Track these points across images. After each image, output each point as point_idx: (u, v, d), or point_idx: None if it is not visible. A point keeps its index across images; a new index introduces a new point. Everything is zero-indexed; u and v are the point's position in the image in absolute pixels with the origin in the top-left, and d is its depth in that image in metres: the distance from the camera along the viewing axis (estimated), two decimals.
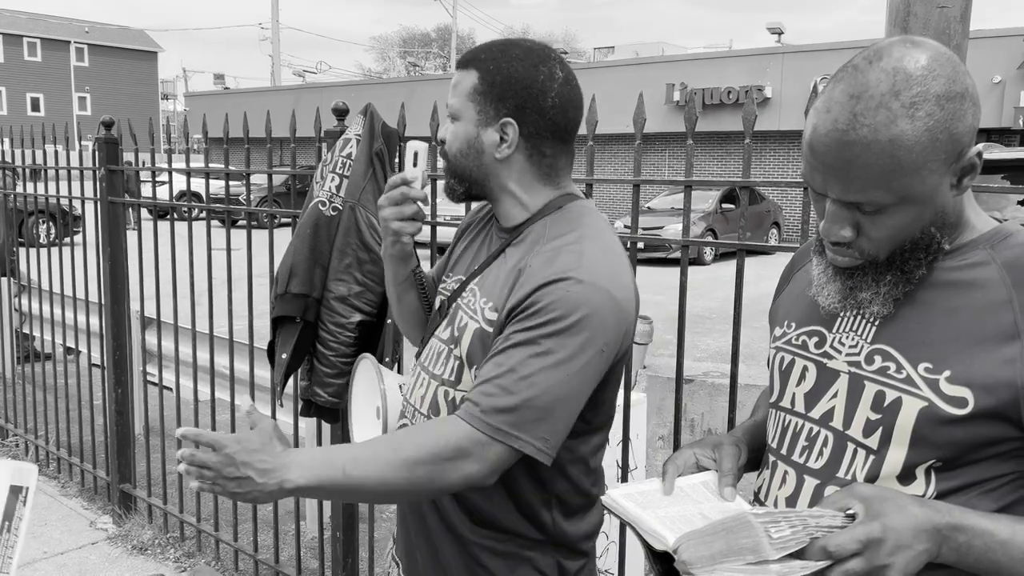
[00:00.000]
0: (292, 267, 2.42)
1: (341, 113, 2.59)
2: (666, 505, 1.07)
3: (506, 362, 1.18)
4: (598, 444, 1.36)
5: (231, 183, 3.14)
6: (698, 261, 15.09)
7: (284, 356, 2.44)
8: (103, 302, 3.70)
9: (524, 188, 1.33)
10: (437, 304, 1.46)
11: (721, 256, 15.61)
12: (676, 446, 2.01)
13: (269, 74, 39.97)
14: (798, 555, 0.89)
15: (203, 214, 3.23)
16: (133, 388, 3.81)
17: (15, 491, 1.05)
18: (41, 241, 4.31)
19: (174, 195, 4.41)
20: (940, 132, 0.91)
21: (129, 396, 3.77)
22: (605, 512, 1.27)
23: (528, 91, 1.27)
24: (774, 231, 17.71)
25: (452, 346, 1.34)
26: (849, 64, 0.96)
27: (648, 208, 16.85)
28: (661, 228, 14.83)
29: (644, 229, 14.75)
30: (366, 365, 1.51)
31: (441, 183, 1.53)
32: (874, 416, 1.00)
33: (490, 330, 1.26)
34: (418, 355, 1.48)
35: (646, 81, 20.79)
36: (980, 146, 0.96)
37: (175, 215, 3.33)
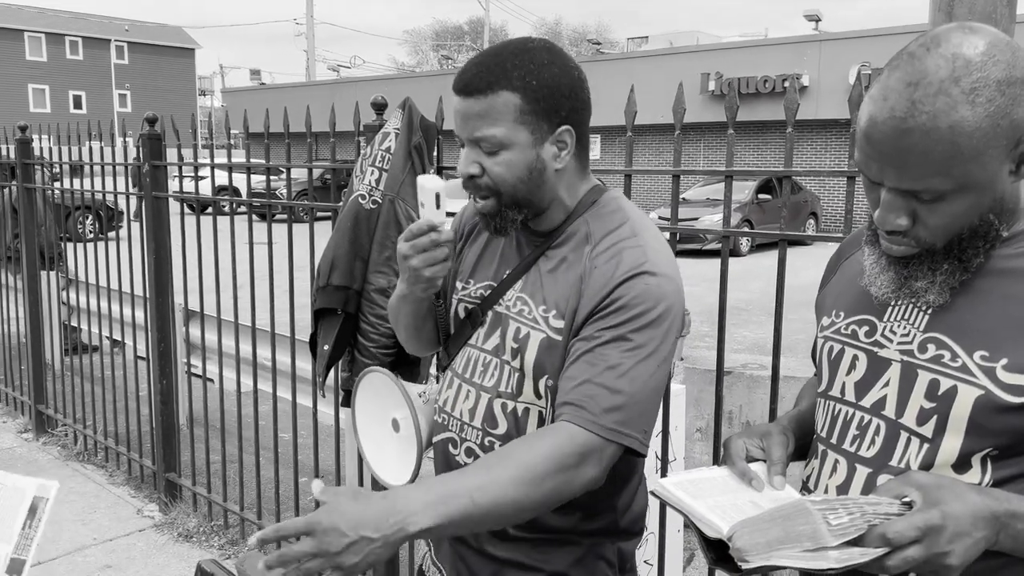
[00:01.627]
0: (333, 260, 2.46)
1: (380, 107, 2.61)
2: (717, 494, 1.08)
3: (600, 361, 1.18)
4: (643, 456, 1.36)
5: (271, 177, 3.18)
6: (735, 252, 14.95)
7: (326, 348, 2.48)
8: (147, 296, 3.78)
9: (569, 189, 1.32)
10: (461, 312, 1.42)
11: (757, 247, 15.45)
12: (716, 438, 2.01)
13: (304, 69, 40.33)
14: (855, 543, 0.89)
15: (242, 208, 3.28)
16: (177, 379, 3.89)
17: (39, 500, 1.22)
18: (87, 236, 4.41)
19: (214, 190, 4.51)
20: (1001, 118, 0.90)
21: (173, 387, 3.85)
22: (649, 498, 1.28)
23: (574, 93, 1.26)
24: (811, 221, 17.47)
25: (505, 357, 1.31)
26: (904, 51, 0.96)
27: (683, 199, 16.73)
28: (696, 219, 14.71)
29: (679, 220, 14.66)
30: (379, 378, 1.42)
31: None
32: (928, 404, 1.00)
33: (559, 339, 1.25)
34: (444, 366, 1.46)
35: (681, 71, 20.59)
36: None
37: (215, 209, 3.38)
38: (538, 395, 1.29)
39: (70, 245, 4.42)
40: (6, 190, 5.14)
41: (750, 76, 19.45)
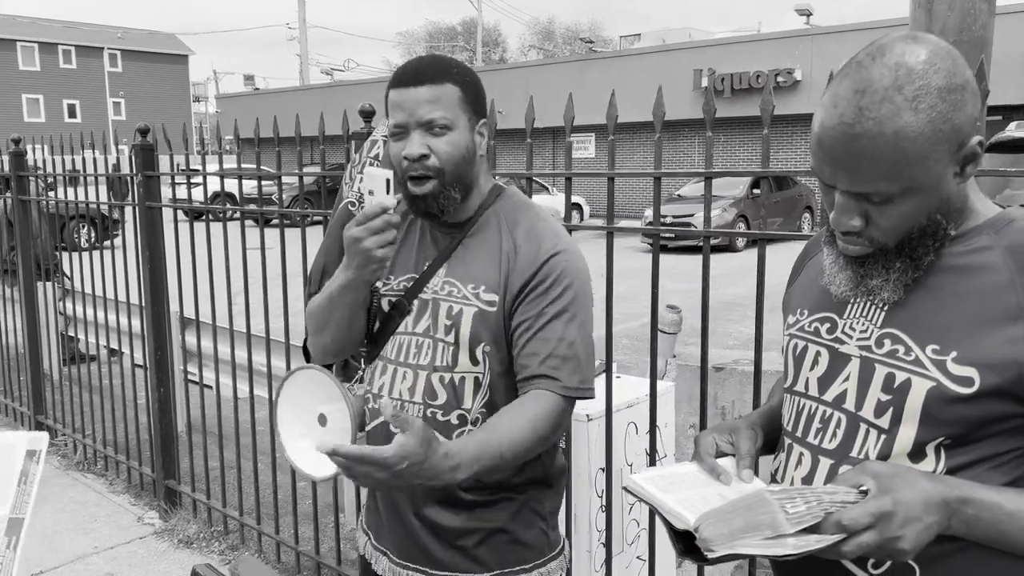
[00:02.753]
0: (324, 266, 2.48)
1: (368, 115, 2.65)
2: (686, 488, 1.11)
3: (552, 335, 1.43)
4: None
5: (264, 183, 3.21)
6: (730, 248, 15.01)
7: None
8: (143, 304, 3.82)
9: (484, 180, 1.54)
10: (386, 305, 1.55)
11: (753, 243, 15.49)
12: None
13: (298, 73, 40.36)
14: (813, 530, 0.94)
15: (237, 214, 3.30)
16: (174, 387, 3.92)
17: (30, 454, 1.20)
18: (82, 245, 4.41)
19: (208, 196, 4.52)
20: (943, 123, 0.95)
21: (171, 395, 3.88)
22: (634, 499, 1.35)
23: (483, 93, 1.51)
24: (807, 215, 17.52)
25: (439, 335, 1.48)
26: (853, 60, 1.01)
27: (678, 195, 16.77)
28: (691, 216, 14.76)
29: (674, 217, 14.70)
30: (309, 374, 1.44)
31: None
32: (885, 397, 1.05)
33: (492, 310, 1.45)
34: (372, 358, 1.58)
35: (673, 68, 20.68)
36: (981, 136, 1.01)
37: (210, 216, 3.42)
38: (474, 362, 1.46)
39: (67, 255, 4.43)
40: (0, 202, 5.17)
41: (743, 71, 19.52)
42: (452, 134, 1.43)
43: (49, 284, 5.36)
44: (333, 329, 1.56)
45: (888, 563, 1.03)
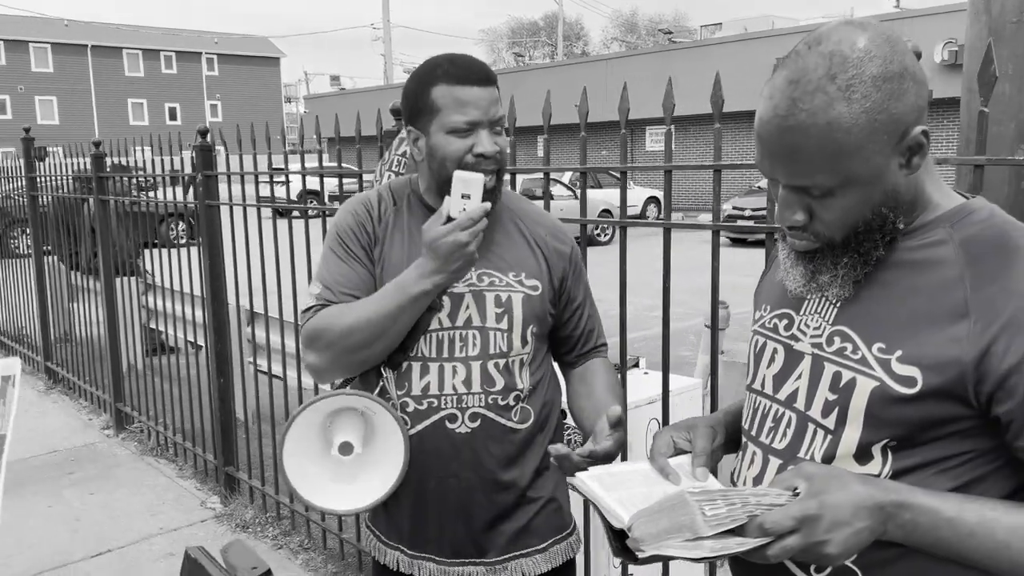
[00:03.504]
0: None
1: (397, 113, 2.70)
2: (634, 486, 1.11)
3: (595, 313, 1.72)
4: None
5: (345, 180, 3.29)
6: None
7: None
8: (205, 298, 4.00)
9: None
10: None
11: None
12: None
13: (382, 73, 41.16)
14: (738, 532, 0.92)
15: (301, 213, 3.41)
16: (234, 377, 4.09)
17: (5, 379, 1.29)
18: (178, 241, 4.63)
19: (296, 194, 4.76)
20: (878, 113, 0.92)
21: (231, 385, 4.05)
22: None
23: None
24: None
25: (488, 324, 1.53)
26: (793, 50, 0.98)
27: (758, 187, 16.34)
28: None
29: (753, 210, 14.33)
30: (326, 406, 1.46)
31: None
32: (831, 396, 1.02)
33: (535, 294, 1.57)
34: (398, 363, 1.53)
35: (755, 57, 20.13)
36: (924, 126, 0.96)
37: (293, 214, 3.54)
38: (523, 343, 1.56)
39: (156, 251, 4.66)
40: (86, 205, 5.48)
41: None
42: (503, 133, 1.55)
43: (132, 279, 5.67)
44: (390, 339, 1.49)
45: (829, 567, 1.00)
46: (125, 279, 5.13)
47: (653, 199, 20.01)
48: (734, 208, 15.43)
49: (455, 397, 1.52)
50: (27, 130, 6.11)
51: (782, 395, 1.09)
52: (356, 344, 1.48)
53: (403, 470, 1.50)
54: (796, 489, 0.93)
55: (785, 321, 1.12)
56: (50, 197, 5.96)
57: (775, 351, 1.12)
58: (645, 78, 16.56)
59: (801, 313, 1.10)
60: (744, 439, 1.16)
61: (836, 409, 1.01)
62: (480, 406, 1.53)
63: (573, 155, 24.02)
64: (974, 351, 0.91)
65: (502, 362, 1.54)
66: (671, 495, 0.97)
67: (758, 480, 1.09)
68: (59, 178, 5.71)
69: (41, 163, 6.09)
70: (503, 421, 1.55)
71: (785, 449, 1.07)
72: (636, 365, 2.73)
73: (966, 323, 0.92)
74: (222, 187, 3.96)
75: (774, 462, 1.08)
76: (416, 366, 1.54)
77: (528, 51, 58.32)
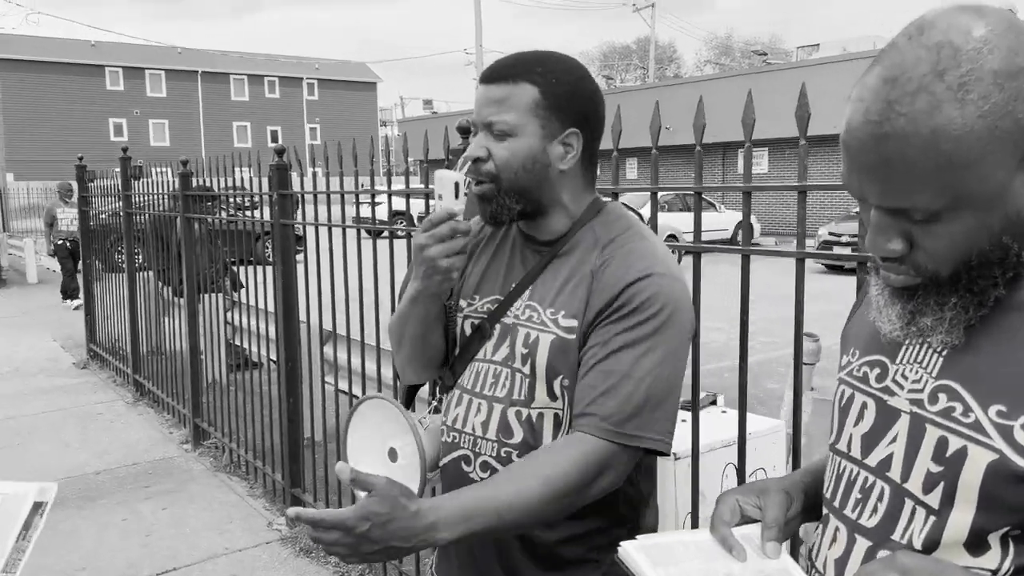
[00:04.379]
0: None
1: (465, 131, 2.60)
2: (688, 560, 0.94)
3: (617, 368, 1.21)
4: None
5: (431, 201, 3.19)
6: None
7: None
8: (278, 316, 3.98)
9: (573, 197, 1.35)
10: (468, 328, 1.41)
11: None
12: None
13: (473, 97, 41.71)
14: None
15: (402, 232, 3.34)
16: (303, 396, 4.05)
17: (37, 506, 1.16)
18: (271, 260, 4.68)
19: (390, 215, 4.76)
20: (1000, 118, 0.73)
21: (300, 405, 4.01)
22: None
23: (590, 102, 1.31)
24: None
25: (516, 364, 1.32)
26: (890, 42, 0.80)
27: (856, 213, 15.66)
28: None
29: (851, 235, 13.71)
30: (378, 405, 1.39)
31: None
32: (935, 468, 0.82)
33: (571, 337, 1.27)
34: (449, 386, 1.44)
35: (853, 78, 19.36)
36: None
37: (383, 233, 3.49)
38: (552, 396, 1.29)
39: (251, 268, 4.70)
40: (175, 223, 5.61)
41: None
42: (513, 140, 1.27)
43: (218, 296, 5.77)
44: (407, 346, 1.45)
45: None
46: (211, 296, 5.21)
47: None
48: (830, 234, 14.82)
49: (472, 439, 1.36)
50: (125, 150, 6.34)
51: (872, 460, 0.90)
52: (393, 347, 1.50)
53: (420, 485, 1.37)
54: None
55: (877, 370, 0.93)
56: (146, 215, 6.15)
57: (864, 405, 0.93)
58: (737, 100, 16.10)
59: (897, 361, 0.91)
60: (826, 509, 0.97)
61: (941, 484, 0.82)
62: (491, 455, 1.33)
63: (665, 177, 23.66)
64: None
65: (524, 412, 1.30)
66: None
67: (841, 564, 0.91)
68: (154, 196, 5.87)
69: (137, 182, 6.30)
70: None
71: (876, 528, 0.88)
72: (713, 403, 2.53)
73: None
74: (309, 208, 3.94)
75: (862, 543, 0.89)
76: (456, 394, 1.42)
77: (620, 74, 58.14)
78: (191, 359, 5.31)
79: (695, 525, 1.99)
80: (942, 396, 0.84)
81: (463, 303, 1.42)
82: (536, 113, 1.27)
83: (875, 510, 0.88)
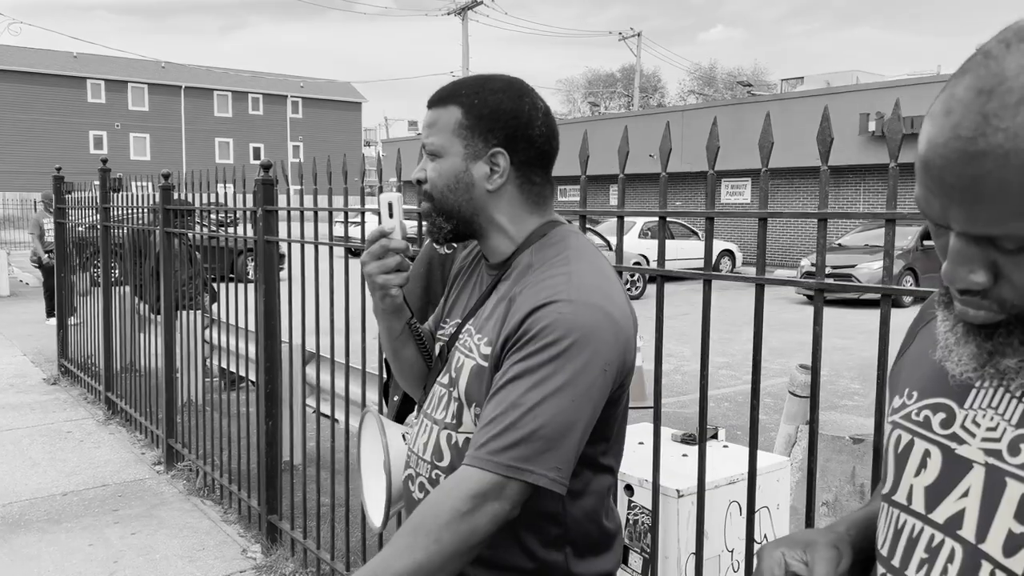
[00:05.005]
0: None
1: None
2: None
3: (507, 398, 1.16)
4: (610, 478, 1.32)
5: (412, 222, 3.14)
6: (896, 303, 13.87)
7: (396, 399, 2.39)
8: (258, 336, 3.85)
9: (512, 219, 1.33)
10: (437, 351, 1.44)
11: (922, 299, 14.25)
12: (808, 523, 1.71)
13: None
14: None
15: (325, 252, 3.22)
16: (282, 419, 3.92)
17: None
18: (250, 277, 4.56)
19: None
20: None
21: (279, 428, 3.88)
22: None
23: (516, 121, 1.28)
24: None
25: (451, 388, 1.33)
26: (979, 51, 0.71)
27: (839, 245, 15.75)
28: (854, 266, 13.78)
29: (833, 267, 13.76)
30: (369, 419, 1.46)
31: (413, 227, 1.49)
32: (1019, 528, 0.73)
33: (486, 365, 1.25)
34: (420, 405, 1.45)
35: (837, 111, 19.62)
36: None
37: (348, 253, 3.39)
38: (475, 424, 1.26)
39: (231, 285, 4.58)
40: (152, 237, 5.47)
41: (917, 115, 18.22)
42: (441, 161, 1.30)
43: (194, 313, 5.62)
44: (392, 362, 1.51)
45: None
46: (189, 313, 5.07)
47: (727, 252, 19.52)
48: (812, 265, 14.87)
49: (416, 459, 1.37)
50: (104, 162, 6.20)
51: (939, 516, 0.81)
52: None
53: (388, 493, 1.41)
54: None
55: (942, 415, 0.85)
56: (126, 229, 6.00)
57: (927, 453, 0.85)
58: (721, 129, 16.27)
59: (966, 407, 0.83)
60: (881, 568, 0.88)
61: None
62: (426, 477, 1.33)
63: (644, 204, 23.75)
64: None
65: (453, 436, 1.30)
66: None
67: None
68: (133, 210, 5.73)
69: (116, 194, 6.16)
70: None
71: None
72: (715, 436, 2.44)
73: None
74: (295, 225, 3.85)
75: None
76: (419, 414, 1.44)
77: (604, 101, 58.59)
78: (166, 377, 5.15)
79: (699, 565, 1.89)
80: None
81: (442, 325, 1.45)
82: (459, 133, 1.28)
83: (945, 571, 0.79)
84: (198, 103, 51.28)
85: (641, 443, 2.35)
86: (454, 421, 1.30)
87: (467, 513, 1.12)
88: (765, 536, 2.15)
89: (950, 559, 0.79)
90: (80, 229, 7.26)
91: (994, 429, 0.78)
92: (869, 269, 13.52)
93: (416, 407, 1.52)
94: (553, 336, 1.16)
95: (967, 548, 0.77)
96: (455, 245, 2.33)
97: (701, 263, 17.47)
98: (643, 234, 17.08)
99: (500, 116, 1.28)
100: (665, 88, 64.71)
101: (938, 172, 0.71)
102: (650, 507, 1.96)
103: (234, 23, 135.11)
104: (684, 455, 2.24)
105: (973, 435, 0.80)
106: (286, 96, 54.84)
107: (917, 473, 0.85)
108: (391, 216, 1.35)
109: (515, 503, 1.15)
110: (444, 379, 1.36)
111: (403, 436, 1.47)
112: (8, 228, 27.66)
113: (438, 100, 1.31)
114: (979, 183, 0.68)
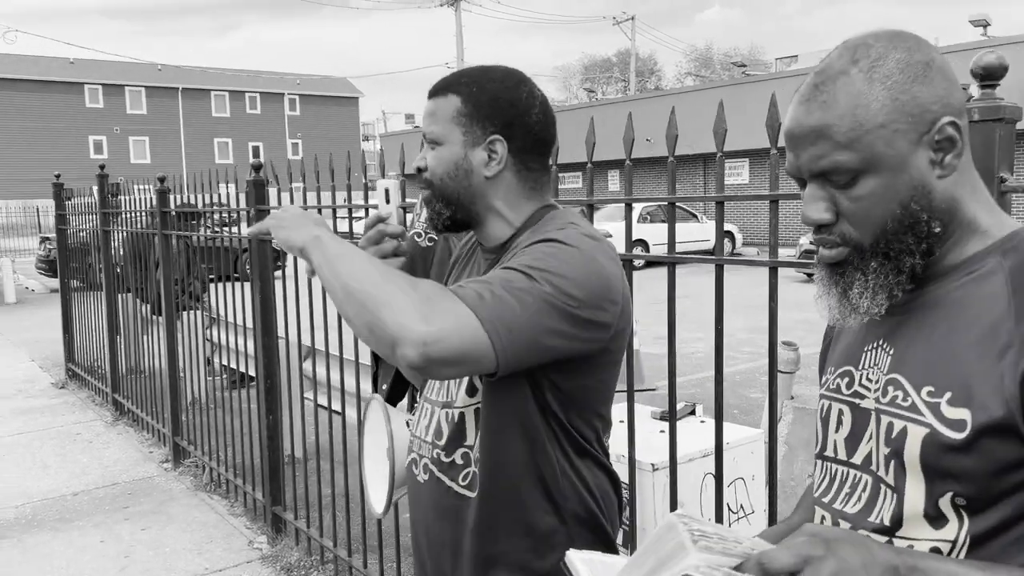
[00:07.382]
0: None
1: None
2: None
3: (490, 277, 1.19)
4: (602, 426, 1.37)
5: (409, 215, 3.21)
6: None
7: (384, 387, 2.48)
8: (256, 333, 3.95)
9: (510, 205, 1.37)
10: None
11: None
12: (771, 501, 1.81)
13: None
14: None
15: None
16: (282, 413, 4.02)
17: None
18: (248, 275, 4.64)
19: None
20: (900, 92, 0.90)
21: (279, 422, 3.98)
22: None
23: (514, 108, 1.33)
24: None
25: None
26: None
27: None
28: None
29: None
30: (374, 406, 1.50)
31: (409, 216, 1.54)
32: (886, 449, 0.94)
33: None
34: (420, 391, 1.49)
35: None
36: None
37: None
38: (471, 393, 1.32)
39: (233, 285, 4.66)
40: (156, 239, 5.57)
41: None
42: (440, 149, 1.34)
43: (196, 312, 5.72)
44: None
45: None
46: (191, 313, 5.17)
47: (727, 234, 19.57)
48: (811, 243, 14.93)
49: (419, 442, 1.42)
50: (102, 167, 6.29)
51: (858, 458, 0.99)
52: None
53: (388, 496, 1.46)
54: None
55: (847, 379, 1.03)
56: (126, 233, 6.09)
57: (841, 413, 1.02)
58: (716, 112, 16.23)
59: (860, 367, 1.01)
60: (820, 510, 1.05)
61: (893, 463, 0.92)
62: (430, 458, 1.39)
63: (642, 188, 23.77)
64: (1015, 380, 0.84)
65: (451, 412, 1.36)
66: (660, 526, 0.83)
67: None
68: (132, 213, 5.83)
69: (115, 199, 6.25)
70: (448, 482, 1.36)
71: (856, 513, 0.97)
72: (692, 412, 2.53)
73: (1012, 353, 0.85)
74: None
75: (843, 527, 0.97)
76: (422, 400, 1.48)
77: (601, 87, 58.47)
78: (170, 377, 5.26)
79: None
80: (890, 388, 0.95)
81: None
82: (458, 121, 1.33)
83: (859, 499, 0.97)
84: (196, 104, 51.34)
85: (622, 421, 2.44)
86: (450, 399, 1.36)
87: (406, 298, 1.11)
88: (741, 506, 2.24)
89: (864, 488, 0.97)
90: (81, 234, 7.37)
91: (876, 381, 0.97)
92: None
93: (418, 393, 1.56)
94: (541, 259, 1.20)
95: (873, 477, 0.95)
96: (435, 238, 2.42)
97: (701, 245, 17.52)
98: (642, 219, 17.11)
99: (498, 104, 1.32)
100: (662, 71, 64.58)
101: (788, 131, 0.95)
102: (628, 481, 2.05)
103: (227, 23, 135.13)
104: (661, 431, 2.33)
105: (868, 389, 0.98)
106: (283, 94, 54.86)
107: (836, 430, 1.02)
108: (388, 202, 1.38)
109: (439, 335, 1.10)
110: None
111: (407, 423, 1.51)
112: (12, 236, 27.81)
113: (438, 90, 1.35)
114: (813, 129, 0.92)
